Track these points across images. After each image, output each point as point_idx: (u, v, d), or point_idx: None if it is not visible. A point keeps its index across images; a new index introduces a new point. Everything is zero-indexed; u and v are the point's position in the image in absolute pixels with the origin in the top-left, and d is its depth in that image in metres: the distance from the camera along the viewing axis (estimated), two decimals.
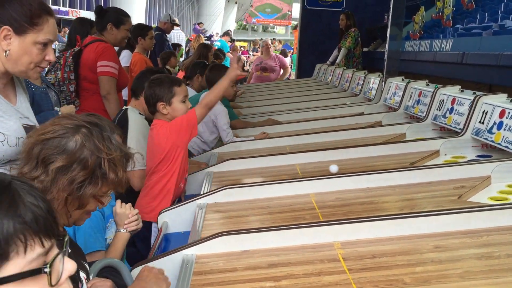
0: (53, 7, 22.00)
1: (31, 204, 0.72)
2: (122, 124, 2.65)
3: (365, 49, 6.99)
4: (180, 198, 2.47)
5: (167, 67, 5.62)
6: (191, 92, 3.77)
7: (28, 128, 1.68)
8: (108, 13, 3.52)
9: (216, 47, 10.21)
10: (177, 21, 7.12)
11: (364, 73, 4.79)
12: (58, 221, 0.77)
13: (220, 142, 3.45)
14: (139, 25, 5.18)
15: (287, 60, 13.03)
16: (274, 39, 19.57)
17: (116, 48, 5.68)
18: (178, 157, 2.40)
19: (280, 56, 8.66)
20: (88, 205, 1.26)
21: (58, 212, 1.22)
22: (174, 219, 2.02)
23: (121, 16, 3.55)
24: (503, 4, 4.39)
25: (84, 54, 3.42)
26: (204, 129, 3.47)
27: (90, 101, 3.40)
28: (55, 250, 0.74)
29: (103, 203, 1.30)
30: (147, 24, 7.07)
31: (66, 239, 0.77)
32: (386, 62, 4.09)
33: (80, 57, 3.42)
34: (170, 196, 2.41)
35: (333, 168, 2.30)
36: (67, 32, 14.04)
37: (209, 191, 2.14)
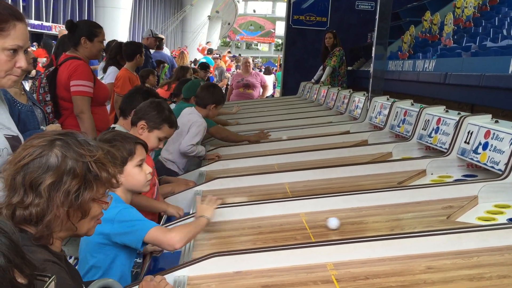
0: (36, 22, 21.87)
1: None
2: None
3: (349, 68, 7.08)
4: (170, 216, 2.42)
5: (146, 85, 5.58)
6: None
7: (10, 139, 1.63)
8: (79, 27, 3.42)
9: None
10: (159, 34, 7.10)
11: (349, 91, 4.84)
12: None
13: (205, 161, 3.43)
14: (134, 42, 5.18)
15: (271, 78, 13.15)
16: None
17: (102, 64, 5.69)
18: None
19: (260, 73, 8.67)
20: (91, 211, 1.25)
21: (64, 228, 1.22)
22: None
23: (93, 29, 3.45)
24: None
25: (59, 73, 3.35)
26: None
27: (72, 120, 3.35)
28: None
29: (106, 203, 1.29)
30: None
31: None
32: (371, 81, 4.14)
33: (56, 77, 3.35)
34: None
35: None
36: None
37: None
